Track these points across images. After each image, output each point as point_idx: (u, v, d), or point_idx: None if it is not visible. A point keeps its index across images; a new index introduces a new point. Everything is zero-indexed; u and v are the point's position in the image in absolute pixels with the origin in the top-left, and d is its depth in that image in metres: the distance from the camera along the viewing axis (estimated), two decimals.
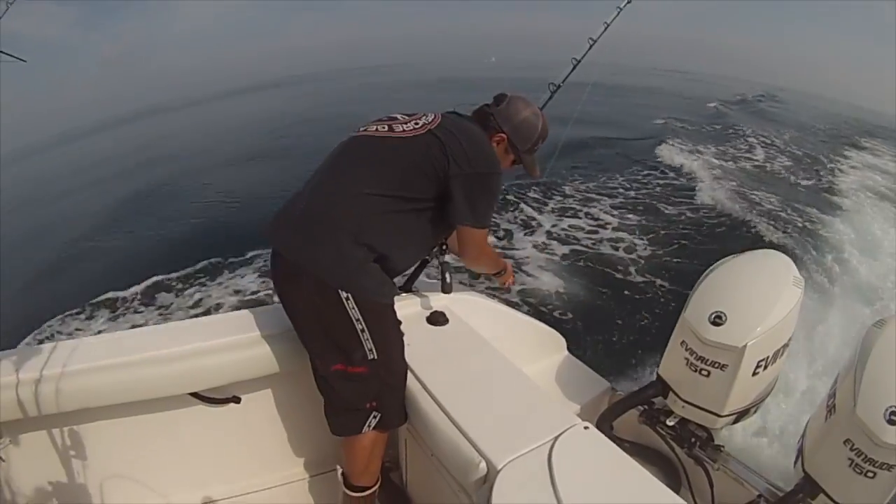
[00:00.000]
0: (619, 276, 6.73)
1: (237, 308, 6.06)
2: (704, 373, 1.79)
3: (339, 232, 1.71)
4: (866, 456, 1.44)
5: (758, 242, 7.53)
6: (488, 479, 1.47)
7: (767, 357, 1.75)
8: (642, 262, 7.10)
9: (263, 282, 6.72)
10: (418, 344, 1.98)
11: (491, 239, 8.00)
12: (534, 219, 8.55)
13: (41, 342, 6.13)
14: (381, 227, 1.77)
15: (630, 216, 8.76)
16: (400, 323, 1.91)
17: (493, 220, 8.22)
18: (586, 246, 7.58)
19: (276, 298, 1.94)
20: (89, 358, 1.85)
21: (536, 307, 5.84)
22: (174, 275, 7.29)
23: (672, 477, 2.08)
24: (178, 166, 14.98)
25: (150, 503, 2.10)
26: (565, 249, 7.46)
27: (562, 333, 2.65)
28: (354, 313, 1.71)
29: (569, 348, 2.68)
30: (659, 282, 6.49)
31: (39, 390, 1.76)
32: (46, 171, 21.45)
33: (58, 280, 8.32)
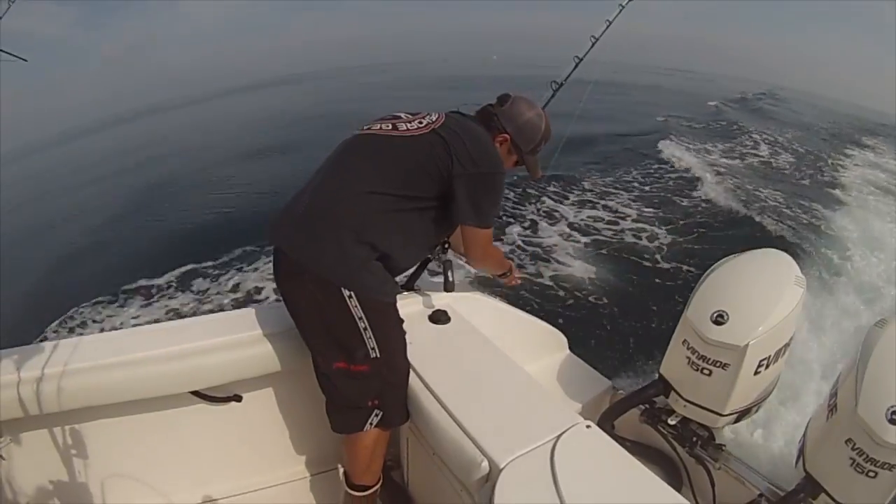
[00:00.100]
0: (620, 275, 6.74)
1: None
2: (706, 372, 1.79)
3: (341, 230, 1.70)
4: (867, 455, 1.44)
5: (759, 241, 7.51)
6: (490, 478, 1.47)
7: (769, 356, 1.75)
8: (644, 261, 7.10)
9: None
10: (420, 342, 1.98)
11: (516, 228, 8.17)
12: (528, 216, 8.58)
13: (71, 329, 6.34)
14: (383, 226, 1.77)
15: (630, 215, 8.76)
16: (402, 321, 1.91)
17: (521, 211, 8.43)
18: (586, 246, 7.58)
19: (277, 296, 1.95)
20: (90, 357, 1.85)
21: (542, 304, 5.86)
22: (209, 263, 7.40)
23: (673, 476, 2.08)
24: (200, 159, 15.25)
25: (151, 502, 2.09)
26: (564, 249, 7.47)
27: (563, 332, 2.65)
28: (357, 311, 1.71)
29: (570, 347, 2.67)
30: (660, 281, 6.49)
31: (40, 389, 1.76)
32: (60, 165, 21.73)
33: (84, 268, 8.43)
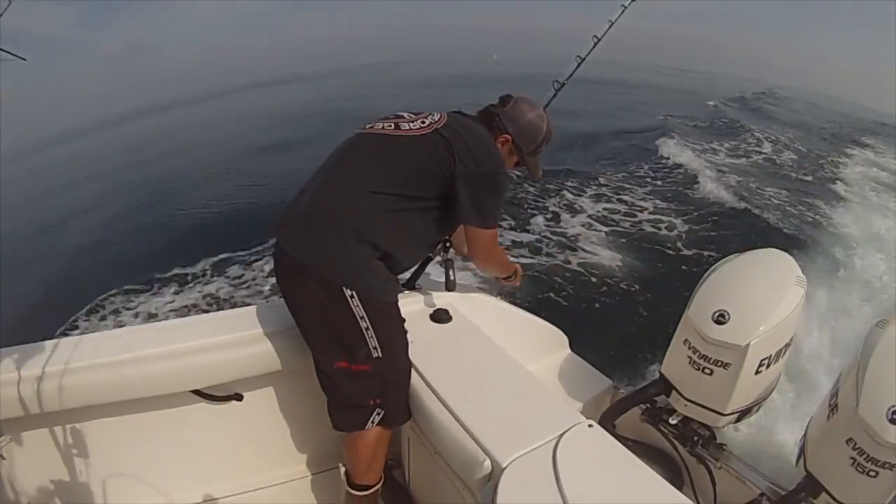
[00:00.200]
0: (621, 274, 6.74)
1: None
2: (707, 371, 1.79)
3: (343, 229, 1.70)
4: (868, 455, 1.44)
5: (761, 240, 7.52)
6: (493, 478, 1.48)
7: (770, 356, 1.75)
8: (644, 261, 7.10)
9: None
10: (422, 341, 1.98)
11: (540, 220, 8.22)
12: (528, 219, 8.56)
13: (103, 318, 6.47)
14: (384, 226, 1.77)
15: (631, 215, 8.75)
16: (404, 320, 1.91)
17: (544, 203, 8.42)
18: (585, 246, 7.57)
19: (279, 294, 1.95)
20: (91, 355, 1.85)
21: (542, 303, 5.84)
22: (241, 252, 7.47)
23: (674, 475, 2.08)
24: (210, 155, 15.33)
25: (151, 501, 2.09)
26: (564, 248, 7.47)
27: (564, 331, 2.65)
28: (359, 311, 1.71)
29: (571, 346, 2.68)
30: (661, 280, 6.49)
31: (41, 387, 1.77)
32: (69, 162, 21.72)
33: (110, 259, 8.54)
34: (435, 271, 2.38)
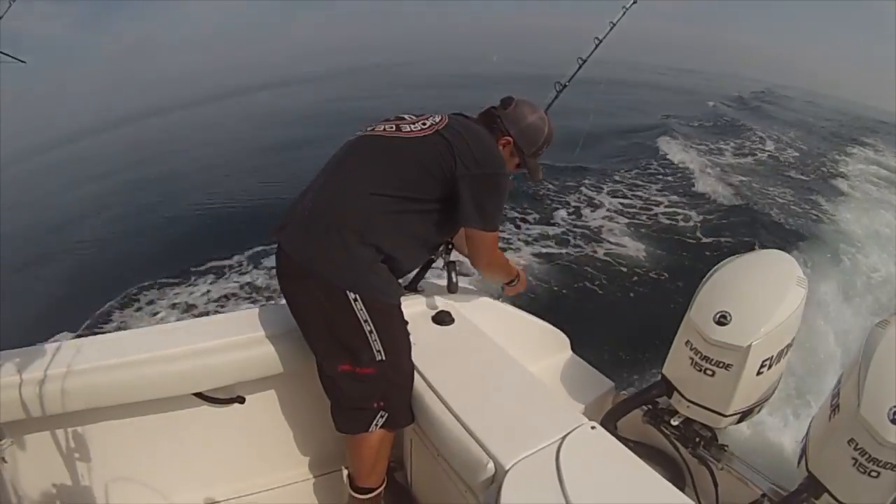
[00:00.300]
0: (622, 275, 6.74)
1: None
2: (709, 372, 1.79)
3: (344, 231, 1.70)
4: (870, 455, 1.44)
5: (762, 241, 7.54)
6: (496, 480, 1.48)
7: (772, 357, 1.75)
8: (646, 262, 7.10)
9: None
10: (424, 343, 1.98)
11: (562, 214, 8.30)
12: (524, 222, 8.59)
13: (139, 308, 6.61)
14: (385, 227, 1.77)
15: (632, 215, 8.75)
16: (406, 323, 1.91)
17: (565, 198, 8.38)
18: (585, 246, 7.58)
19: (280, 297, 1.95)
20: (93, 358, 1.85)
21: (544, 305, 5.84)
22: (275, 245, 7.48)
23: (676, 477, 2.08)
24: (224, 155, 15.53)
25: (153, 503, 2.10)
26: (563, 249, 7.47)
27: (565, 333, 2.65)
28: (362, 314, 1.71)
29: (573, 348, 2.68)
30: (663, 282, 6.49)
31: (43, 390, 1.76)
32: (79, 161, 21.93)
33: (140, 254, 8.66)
34: (436, 273, 2.39)
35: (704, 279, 1.93)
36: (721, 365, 1.76)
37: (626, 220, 8.58)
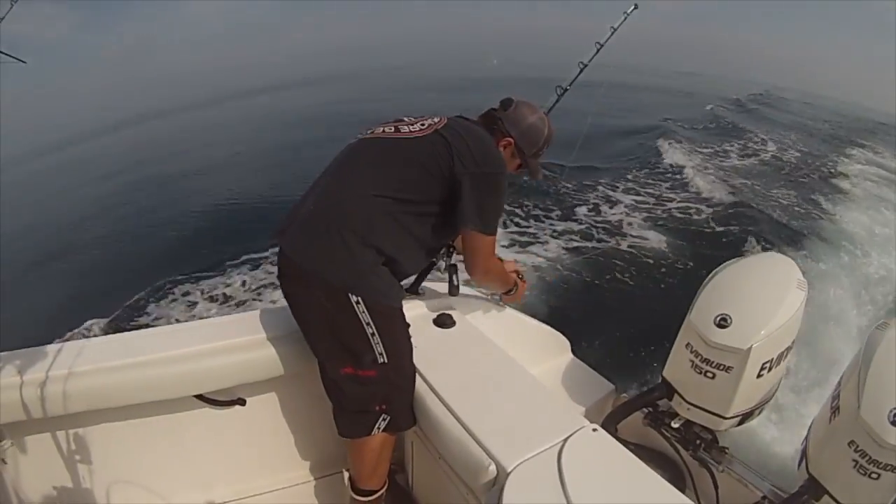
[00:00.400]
0: (622, 278, 6.74)
1: None
2: (709, 375, 1.79)
3: (345, 233, 1.70)
4: (870, 457, 1.44)
5: (762, 243, 7.55)
6: (498, 482, 1.48)
7: (772, 359, 1.75)
8: (646, 264, 7.11)
9: None
10: (425, 346, 1.98)
11: (580, 211, 8.34)
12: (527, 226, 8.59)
13: (174, 300, 6.74)
14: (387, 229, 1.77)
15: (632, 218, 8.75)
16: (408, 325, 1.91)
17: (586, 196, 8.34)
18: (587, 248, 7.58)
19: (281, 299, 1.95)
20: (94, 359, 1.84)
21: (544, 308, 5.87)
22: None
23: (677, 479, 2.08)
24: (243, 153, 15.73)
25: None
26: (564, 250, 7.48)
27: (566, 336, 2.66)
28: (365, 317, 1.71)
29: (573, 350, 2.68)
30: (663, 284, 6.49)
31: (44, 391, 1.76)
32: (94, 159, 22.25)
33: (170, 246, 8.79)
34: (437, 276, 2.39)
35: (705, 282, 1.94)
36: (721, 367, 1.77)
37: (626, 223, 8.58)
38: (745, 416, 1.88)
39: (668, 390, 1.97)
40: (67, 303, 7.42)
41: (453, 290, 2.22)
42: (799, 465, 1.73)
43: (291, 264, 1.79)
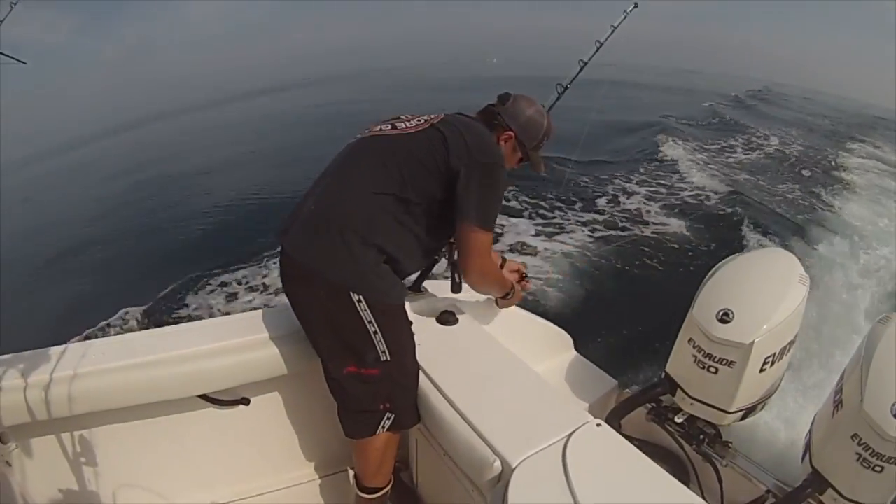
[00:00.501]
0: (623, 274, 6.75)
1: None
2: (712, 370, 1.80)
3: (346, 232, 1.71)
4: (874, 450, 1.45)
5: (764, 238, 7.55)
6: (503, 478, 1.48)
7: (774, 354, 1.76)
8: (648, 260, 7.10)
9: None
10: (428, 344, 1.98)
11: (579, 208, 8.32)
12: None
13: (212, 291, 6.78)
14: (388, 227, 1.77)
15: (632, 215, 8.76)
16: (411, 323, 1.91)
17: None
18: (588, 245, 7.58)
19: (284, 299, 1.95)
20: (97, 361, 1.84)
21: (547, 305, 5.90)
22: None
23: (681, 474, 2.08)
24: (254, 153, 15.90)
25: None
26: (565, 249, 7.46)
27: (568, 332, 2.66)
28: (367, 315, 1.71)
29: (576, 347, 2.68)
30: (665, 280, 6.49)
31: (48, 393, 1.76)
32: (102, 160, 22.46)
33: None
34: (440, 274, 2.39)
35: (706, 277, 1.94)
36: (724, 362, 1.77)
37: (626, 219, 8.60)
38: (749, 411, 1.89)
39: (671, 385, 1.98)
40: (99, 294, 7.52)
41: (456, 288, 2.22)
42: (802, 458, 1.74)
43: (293, 264, 1.79)
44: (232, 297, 6.68)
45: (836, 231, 8.15)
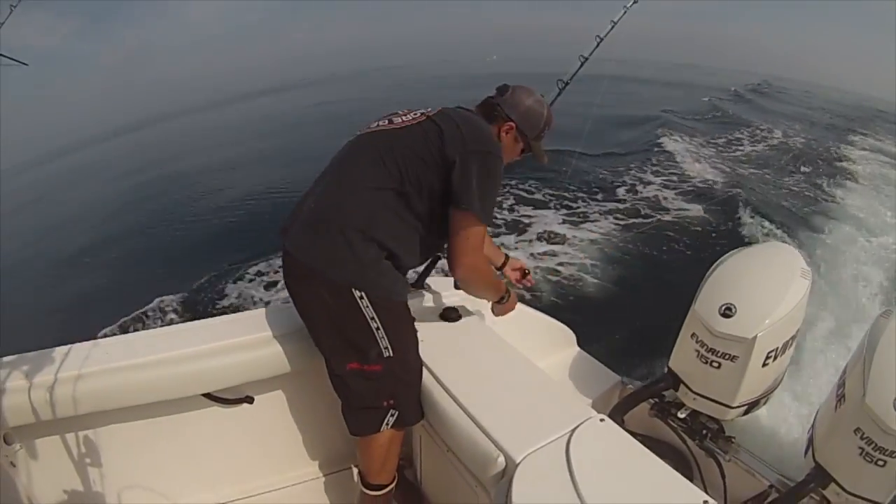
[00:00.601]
0: (625, 270, 6.74)
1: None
2: (715, 364, 1.80)
3: (347, 229, 1.70)
4: (876, 444, 1.45)
5: (766, 233, 7.54)
6: (507, 473, 1.48)
7: (777, 348, 1.76)
8: (650, 255, 7.11)
9: None
10: (432, 340, 1.98)
11: (577, 205, 8.22)
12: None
13: (251, 281, 6.88)
14: (388, 224, 1.77)
15: (631, 212, 8.76)
16: (413, 319, 1.92)
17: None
18: (590, 243, 7.58)
19: (287, 297, 1.95)
20: (101, 361, 1.85)
21: (550, 301, 5.92)
22: None
23: (684, 469, 2.08)
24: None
25: None
26: (566, 247, 7.46)
27: (571, 328, 2.67)
28: (369, 311, 1.71)
29: (579, 343, 2.69)
30: (667, 275, 6.48)
31: (52, 394, 1.76)
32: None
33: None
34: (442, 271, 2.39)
35: (709, 272, 1.95)
36: (727, 357, 1.78)
37: (626, 216, 8.58)
38: (751, 406, 1.89)
39: (674, 381, 1.98)
40: (133, 284, 7.67)
41: (458, 285, 2.22)
42: (805, 453, 1.74)
43: (295, 263, 1.79)
44: (272, 285, 6.73)
45: (839, 224, 8.16)
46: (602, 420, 1.59)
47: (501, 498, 1.39)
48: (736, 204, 8.59)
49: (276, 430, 2.28)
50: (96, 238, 10.74)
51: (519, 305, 2.46)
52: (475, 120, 1.93)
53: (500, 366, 1.92)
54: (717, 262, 1.97)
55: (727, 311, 1.76)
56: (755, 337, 1.71)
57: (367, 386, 1.80)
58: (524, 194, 9.15)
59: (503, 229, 7.86)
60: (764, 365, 1.76)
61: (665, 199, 9.30)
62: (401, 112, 1.95)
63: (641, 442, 1.51)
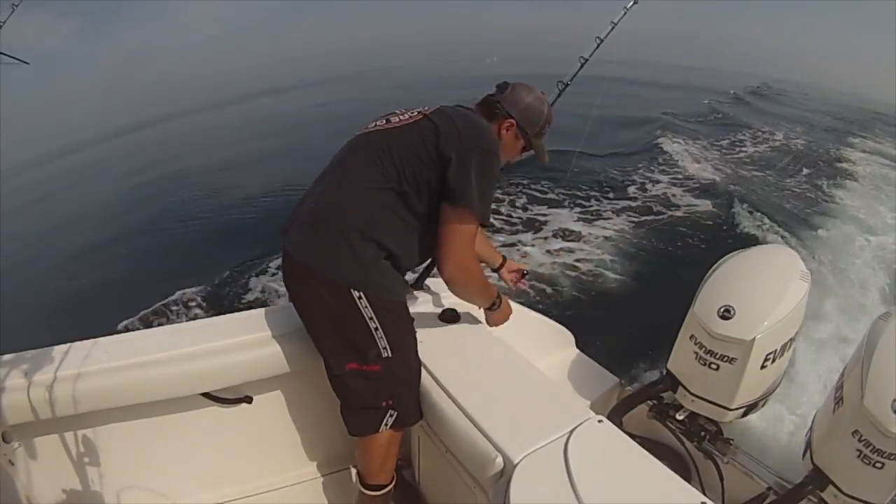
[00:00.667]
0: (625, 271, 6.74)
1: None
2: (713, 366, 1.80)
3: (346, 229, 1.71)
4: (874, 447, 1.45)
5: (765, 236, 7.54)
6: (505, 474, 1.49)
7: (775, 350, 1.76)
8: (649, 257, 7.11)
9: None
10: (431, 341, 1.98)
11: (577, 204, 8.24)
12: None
13: (274, 275, 6.83)
14: (387, 223, 1.76)
15: (635, 211, 8.76)
16: (412, 320, 1.91)
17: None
18: (605, 240, 7.59)
19: (286, 297, 1.95)
20: (100, 360, 1.85)
21: (548, 302, 5.90)
22: None
23: (682, 471, 2.08)
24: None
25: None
26: (566, 246, 7.43)
27: (570, 330, 2.67)
28: (367, 312, 1.71)
29: (577, 344, 2.69)
30: (665, 277, 6.48)
31: (51, 392, 1.76)
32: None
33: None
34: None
35: (707, 274, 1.95)
36: (725, 359, 1.78)
37: (626, 217, 8.58)
38: (750, 408, 1.89)
39: (673, 382, 1.98)
40: (157, 276, 7.72)
41: None
42: (803, 455, 1.74)
43: (295, 263, 1.79)
44: None
45: (839, 226, 8.17)
46: (600, 421, 1.59)
47: (500, 498, 1.39)
48: (734, 206, 8.59)
49: (276, 431, 2.28)
50: (100, 237, 10.76)
51: (517, 306, 2.45)
52: (473, 117, 1.92)
53: (498, 367, 1.92)
54: (717, 263, 1.97)
55: (726, 313, 1.76)
56: (754, 339, 1.70)
57: (366, 386, 1.80)
58: (537, 194, 9.17)
59: (520, 227, 7.83)
60: (762, 367, 1.76)
61: (674, 195, 9.34)
62: (398, 111, 1.95)
63: (640, 443, 1.52)
